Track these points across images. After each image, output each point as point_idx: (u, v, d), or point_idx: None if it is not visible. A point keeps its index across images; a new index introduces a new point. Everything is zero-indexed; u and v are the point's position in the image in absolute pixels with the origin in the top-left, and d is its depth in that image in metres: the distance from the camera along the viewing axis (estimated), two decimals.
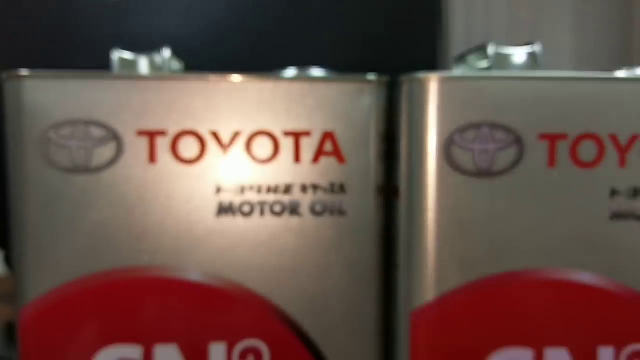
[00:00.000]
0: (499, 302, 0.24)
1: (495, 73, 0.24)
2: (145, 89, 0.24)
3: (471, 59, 0.25)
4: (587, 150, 0.24)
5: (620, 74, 0.25)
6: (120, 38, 0.31)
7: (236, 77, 0.24)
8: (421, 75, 0.23)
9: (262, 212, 0.25)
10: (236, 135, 0.24)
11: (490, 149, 0.23)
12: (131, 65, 0.25)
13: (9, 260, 0.46)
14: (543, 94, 0.23)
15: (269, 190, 0.25)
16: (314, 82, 0.24)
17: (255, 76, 0.24)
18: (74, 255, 0.24)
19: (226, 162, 0.24)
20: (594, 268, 0.24)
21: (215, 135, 0.24)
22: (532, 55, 0.25)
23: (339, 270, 0.25)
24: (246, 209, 0.25)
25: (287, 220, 0.25)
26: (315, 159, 0.25)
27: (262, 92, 0.24)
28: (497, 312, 0.24)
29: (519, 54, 0.25)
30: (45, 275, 0.24)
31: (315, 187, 0.25)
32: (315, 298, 0.25)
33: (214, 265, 0.25)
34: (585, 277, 0.24)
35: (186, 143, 0.24)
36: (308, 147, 0.25)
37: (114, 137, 0.24)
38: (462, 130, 0.23)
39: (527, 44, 0.25)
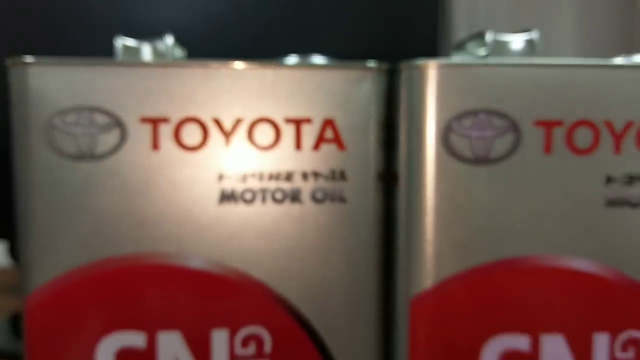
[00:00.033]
0: (496, 288, 0.24)
1: (492, 60, 0.24)
2: (148, 75, 0.24)
3: (470, 46, 0.26)
4: (583, 137, 0.24)
5: (616, 61, 0.25)
6: (124, 26, 0.31)
7: (238, 65, 0.25)
8: (419, 62, 0.24)
9: (263, 200, 0.25)
10: (238, 122, 0.25)
11: (488, 136, 0.24)
12: (134, 52, 0.25)
13: (12, 252, 0.47)
14: (539, 81, 0.24)
15: (270, 177, 0.25)
16: (315, 70, 0.25)
17: (256, 63, 0.25)
18: (79, 241, 0.24)
19: (228, 149, 0.25)
20: (589, 254, 0.24)
21: (217, 122, 0.25)
22: (529, 43, 0.25)
23: (339, 257, 0.25)
24: (248, 196, 0.25)
25: (288, 207, 0.25)
26: (316, 146, 0.25)
27: (263, 79, 0.25)
28: (495, 299, 0.25)
29: (516, 41, 0.25)
30: (50, 262, 0.24)
31: (316, 174, 0.25)
32: (316, 284, 0.25)
33: (216, 252, 0.25)
34: (581, 264, 0.24)
35: (189, 130, 0.24)
36: (309, 134, 0.25)
37: (118, 123, 0.24)
38: (460, 117, 0.24)
39: (524, 31, 0.25)
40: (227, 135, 0.25)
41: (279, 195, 0.25)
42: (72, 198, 0.24)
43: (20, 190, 0.24)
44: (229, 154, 0.25)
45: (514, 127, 0.24)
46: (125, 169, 0.24)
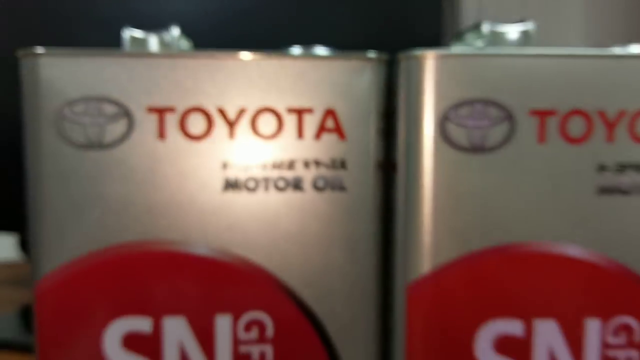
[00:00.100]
0: (490, 274, 0.25)
1: (488, 50, 0.25)
2: (155, 66, 0.25)
3: (468, 37, 0.26)
4: (576, 126, 0.24)
5: (610, 50, 0.25)
6: (131, 19, 0.32)
7: (242, 55, 0.25)
8: (417, 52, 0.24)
9: (266, 188, 0.26)
10: (242, 112, 0.25)
11: (483, 125, 0.24)
12: (141, 43, 0.26)
13: (23, 245, 0.47)
14: (534, 71, 0.24)
15: (273, 166, 0.26)
16: (316, 60, 0.25)
17: (260, 54, 0.25)
18: (87, 229, 0.25)
19: (232, 139, 0.25)
20: (582, 241, 0.25)
21: (221, 112, 0.25)
22: (525, 33, 0.25)
23: (339, 244, 0.26)
24: (251, 184, 0.26)
25: (290, 195, 0.26)
26: (318, 135, 0.26)
27: (266, 69, 0.25)
28: (489, 284, 0.25)
29: (512, 32, 0.25)
30: (59, 249, 0.25)
31: (317, 163, 0.26)
32: (317, 270, 0.26)
33: (220, 239, 0.26)
34: (573, 251, 0.25)
35: (194, 119, 0.25)
36: (310, 123, 0.25)
37: (125, 113, 0.25)
38: (457, 106, 0.24)
39: (520, 21, 0.26)
40: (231, 124, 0.25)
41: (281, 184, 0.26)
42: (81, 186, 0.25)
43: (30, 180, 0.25)
44: (233, 143, 0.25)
45: (509, 117, 0.24)
46: (132, 158, 0.25)
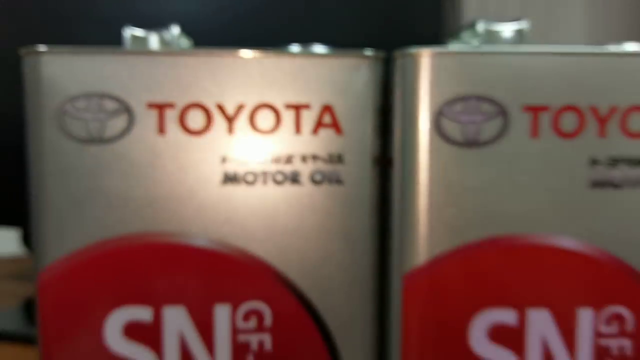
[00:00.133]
0: (485, 265, 0.25)
1: (481, 48, 0.25)
2: (155, 63, 0.25)
3: (464, 35, 0.27)
4: (568, 122, 0.25)
5: (604, 48, 0.26)
6: (132, 18, 0.32)
7: (241, 53, 0.26)
8: (413, 50, 0.25)
9: (264, 181, 0.26)
10: (240, 107, 0.26)
11: (477, 121, 0.25)
12: (142, 41, 0.26)
13: (25, 240, 0.48)
14: (527, 67, 0.25)
15: (271, 160, 0.26)
16: (314, 58, 0.26)
17: (258, 52, 0.26)
18: (89, 221, 0.26)
19: (231, 134, 0.26)
20: (574, 233, 0.25)
21: (220, 107, 0.26)
22: (518, 32, 0.26)
23: (336, 236, 0.27)
24: (250, 178, 0.26)
25: (288, 189, 0.26)
26: (315, 130, 0.26)
27: (265, 66, 0.26)
28: (483, 275, 0.26)
29: (506, 30, 0.26)
30: (61, 240, 0.26)
31: (314, 158, 0.26)
32: (314, 262, 0.27)
33: (219, 231, 0.26)
34: (566, 242, 0.25)
35: (193, 115, 0.25)
36: (308, 119, 0.26)
37: (126, 109, 0.25)
38: (451, 102, 0.25)
39: (514, 20, 0.26)
40: (230, 120, 0.26)
41: (279, 178, 0.26)
42: (82, 180, 0.25)
43: (32, 174, 0.26)
44: (232, 138, 0.26)
45: (503, 112, 0.25)
46: (133, 152, 0.25)
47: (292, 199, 0.26)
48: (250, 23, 0.39)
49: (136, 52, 0.25)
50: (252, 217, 0.26)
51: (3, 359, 0.42)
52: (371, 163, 0.26)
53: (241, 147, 0.26)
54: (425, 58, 0.25)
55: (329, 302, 0.27)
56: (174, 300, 0.26)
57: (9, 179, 0.42)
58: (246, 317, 0.27)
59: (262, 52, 0.26)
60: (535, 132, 0.25)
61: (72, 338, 0.26)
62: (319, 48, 0.26)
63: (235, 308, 0.26)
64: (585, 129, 0.25)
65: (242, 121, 0.26)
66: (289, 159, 0.26)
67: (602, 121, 0.25)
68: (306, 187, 0.26)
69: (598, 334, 0.26)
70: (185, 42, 0.27)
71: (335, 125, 0.26)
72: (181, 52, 0.25)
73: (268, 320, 0.27)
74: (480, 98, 0.25)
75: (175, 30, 0.26)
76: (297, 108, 0.26)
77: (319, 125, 0.26)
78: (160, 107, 0.25)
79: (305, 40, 0.28)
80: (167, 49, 0.26)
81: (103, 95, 0.25)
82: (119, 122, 0.25)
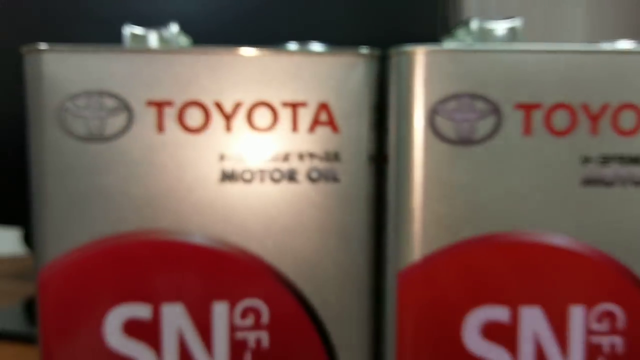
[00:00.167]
0: (478, 262, 0.26)
1: (475, 46, 0.26)
2: (154, 61, 0.25)
3: (459, 33, 0.27)
4: (561, 119, 0.25)
5: (596, 46, 0.26)
6: (131, 17, 0.32)
7: (239, 51, 0.26)
8: (408, 48, 0.25)
9: (262, 179, 0.26)
10: (238, 105, 0.26)
11: (471, 118, 0.25)
12: (141, 40, 0.26)
13: (26, 239, 0.48)
14: (519, 66, 0.25)
15: (268, 158, 0.26)
16: (310, 56, 0.26)
17: (256, 50, 0.26)
18: (89, 218, 0.26)
19: (229, 132, 0.26)
20: (567, 231, 0.26)
21: (218, 105, 0.26)
22: (512, 30, 0.26)
23: (332, 233, 0.27)
24: (247, 175, 0.26)
25: (285, 186, 0.26)
26: (311, 128, 0.26)
27: (262, 65, 0.26)
28: (477, 272, 0.26)
29: (500, 29, 0.26)
30: (61, 238, 0.26)
31: (311, 155, 0.26)
32: (311, 259, 0.27)
33: (216, 229, 0.26)
34: (558, 240, 0.26)
35: (192, 113, 0.26)
36: (305, 117, 0.26)
37: (126, 107, 0.26)
38: (445, 100, 0.25)
39: (507, 18, 0.26)
40: (227, 118, 0.26)
41: (276, 175, 0.26)
42: (82, 177, 0.26)
43: (33, 171, 0.26)
44: (230, 136, 0.26)
45: (496, 110, 0.25)
46: (132, 150, 0.26)
47: (289, 196, 0.26)
48: (248, 21, 0.39)
49: (135, 50, 0.26)
50: (249, 214, 0.26)
51: (3, 358, 0.42)
52: (367, 161, 0.27)
53: (239, 145, 0.26)
54: (419, 55, 0.25)
55: (325, 298, 0.27)
56: (172, 297, 0.26)
57: (9, 178, 0.42)
58: (244, 314, 0.27)
59: (259, 50, 0.26)
60: (527, 130, 0.25)
61: (72, 334, 0.26)
62: (315, 46, 0.27)
63: (233, 305, 0.27)
64: (577, 126, 0.25)
65: (239, 119, 0.26)
66: (286, 157, 0.26)
67: (594, 119, 0.25)
68: (303, 185, 0.26)
69: (590, 331, 0.26)
70: (184, 40, 0.28)
71: (331, 123, 0.26)
72: (180, 50, 0.26)
73: (265, 317, 0.27)
74: (474, 96, 0.25)
75: (174, 28, 0.27)
76: (294, 106, 0.26)
77: (315, 123, 0.26)
78: (159, 105, 0.26)
79: (303, 38, 0.28)
80: (166, 47, 0.26)
81: (103, 93, 0.25)
82: (119, 120, 0.26)
